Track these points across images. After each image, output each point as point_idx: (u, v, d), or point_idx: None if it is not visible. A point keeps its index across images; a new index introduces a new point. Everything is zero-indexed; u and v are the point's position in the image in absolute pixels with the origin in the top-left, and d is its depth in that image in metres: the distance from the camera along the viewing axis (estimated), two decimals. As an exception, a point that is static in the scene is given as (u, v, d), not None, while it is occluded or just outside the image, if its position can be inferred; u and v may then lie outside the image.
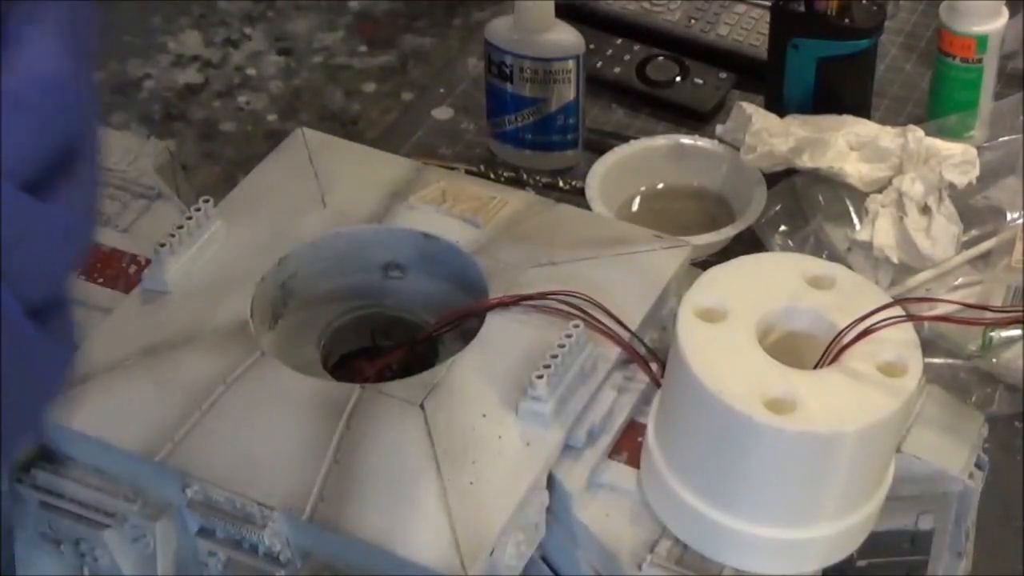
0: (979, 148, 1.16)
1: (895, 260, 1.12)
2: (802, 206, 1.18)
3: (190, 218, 0.89)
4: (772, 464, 0.73)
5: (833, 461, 0.73)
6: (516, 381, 0.81)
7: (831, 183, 1.16)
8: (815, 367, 0.75)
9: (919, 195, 1.12)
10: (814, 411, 0.72)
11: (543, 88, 1.24)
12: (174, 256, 0.88)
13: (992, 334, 1.07)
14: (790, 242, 1.16)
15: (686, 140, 1.24)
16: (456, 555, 0.74)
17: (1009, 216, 1.17)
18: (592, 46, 1.32)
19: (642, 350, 0.85)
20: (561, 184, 1.25)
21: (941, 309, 1.04)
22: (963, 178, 1.13)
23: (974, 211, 1.17)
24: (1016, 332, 1.08)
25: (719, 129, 1.23)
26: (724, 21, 1.38)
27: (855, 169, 1.15)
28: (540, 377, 0.79)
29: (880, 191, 1.14)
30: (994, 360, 1.08)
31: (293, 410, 0.81)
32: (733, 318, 0.75)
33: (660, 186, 1.24)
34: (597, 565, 0.79)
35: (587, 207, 1.17)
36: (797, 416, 0.71)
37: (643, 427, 0.80)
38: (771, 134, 1.17)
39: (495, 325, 0.85)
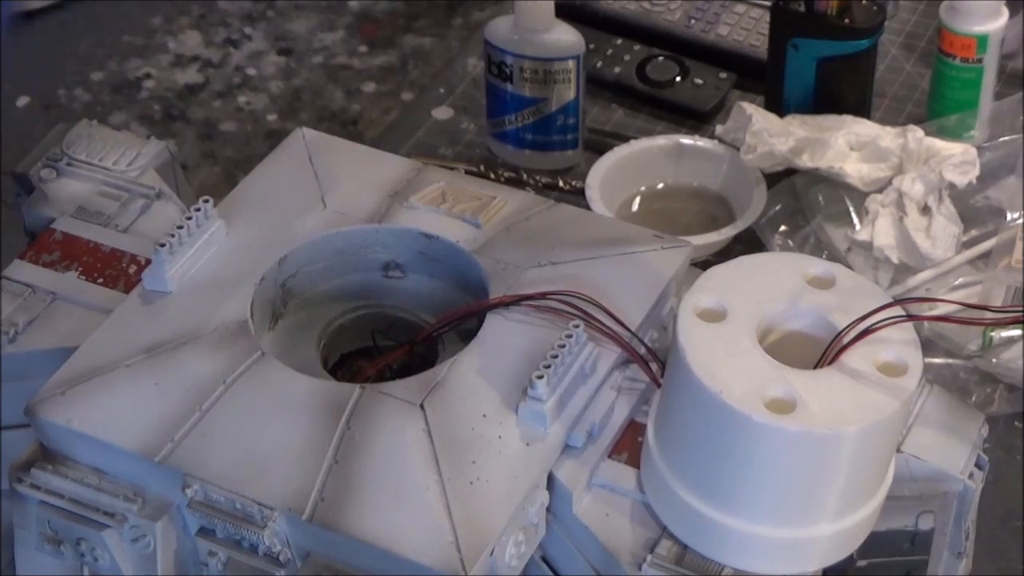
0: (979, 148, 1.16)
1: (895, 260, 1.12)
2: (802, 206, 1.18)
3: (190, 218, 0.89)
4: (772, 464, 0.73)
5: (833, 461, 0.73)
6: (516, 381, 0.81)
7: (831, 183, 1.16)
8: (815, 367, 0.75)
9: (919, 195, 1.12)
10: (814, 411, 0.72)
11: (543, 88, 1.23)
12: (174, 256, 0.88)
13: (992, 334, 1.07)
14: (790, 242, 1.16)
15: (686, 140, 1.24)
16: (456, 555, 0.74)
17: (1009, 216, 1.17)
18: (592, 46, 1.32)
19: (642, 350, 0.85)
20: (561, 184, 1.25)
21: (941, 309, 1.04)
22: (963, 178, 1.13)
23: (974, 211, 1.17)
24: (1016, 332, 1.08)
25: (719, 129, 1.23)
26: (724, 21, 1.38)
27: (855, 169, 1.15)
28: (540, 377, 0.79)
29: (880, 191, 1.14)
30: (994, 360, 1.08)
31: (293, 410, 0.81)
32: (733, 318, 0.75)
33: (660, 186, 1.24)
34: (597, 565, 0.79)
35: (587, 207, 1.17)
36: (797, 416, 0.71)
37: (643, 427, 0.80)
38: (771, 134, 1.17)
39: (495, 325, 0.86)
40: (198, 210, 0.90)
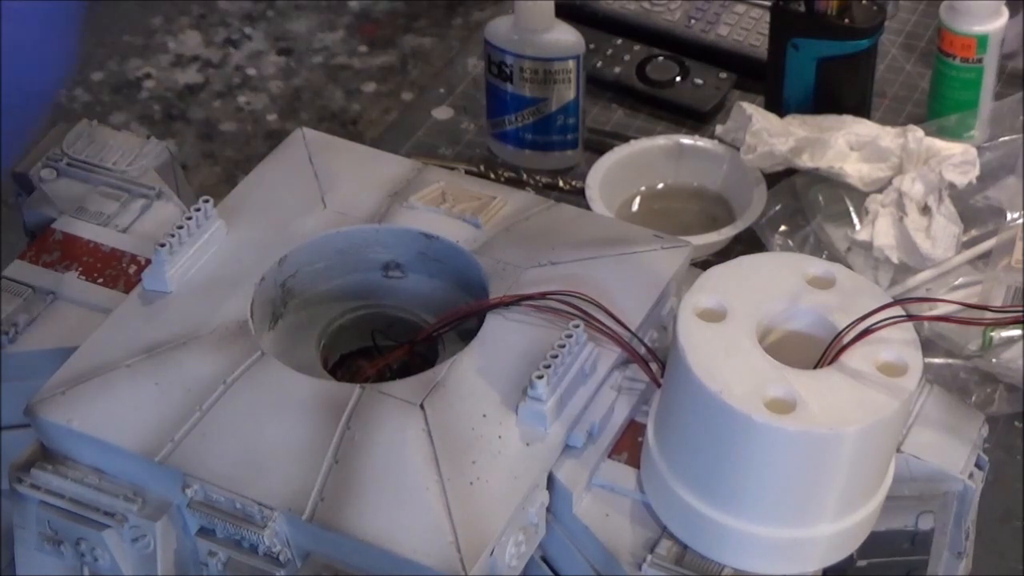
0: (979, 148, 1.16)
1: (895, 260, 1.12)
2: (802, 206, 1.18)
3: (190, 218, 0.89)
4: (772, 464, 0.73)
5: (833, 461, 0.73)
6: (516, 381, 0.81)
7: (831, 183, 1.16)
8: (815, 367, 0.75)
9: (919, 195, 1.12)
10: (814, 411, 0.72)
11: (543, 88, 1.23)
12: (174, 256, 0.88)
13: (992, 334, 1.07)
14: (790, 242, 1.16)
15: (686, 140, 1.24)
16: (456, 555, 0.74)
17: (1009, 216, 1.17)
18: (592, 46, 1.32)
19: (642, 350, 0.85)
20: (561, 184, 1.25)
21: (941, 309, 1.04)
22: (963, 178, 1.13)
23: (974, 211, 1.17)
24: (1016, 332, 1.08)
25: (719, 129, 1.23)
26: (724, 21, 1.38)
27: (855, 169, 1.15)
28: (540, 377, 0.79)
29: (880, 191, 1.14)
30: (994, 360, 1.08)
31: (293, 410, 0.81)
32: (733, 318, 0.75)
33: (660, 186, 1.24)
34: (597, 565, 0.79)
35: (587, 207, 1.17)
36: (797, 416, 0.71)
37: (643, 427, 0.80)
38: (771, 134, 1.17)
39: (495, 325, 0.85)
40: (198, 210, 0.90)
